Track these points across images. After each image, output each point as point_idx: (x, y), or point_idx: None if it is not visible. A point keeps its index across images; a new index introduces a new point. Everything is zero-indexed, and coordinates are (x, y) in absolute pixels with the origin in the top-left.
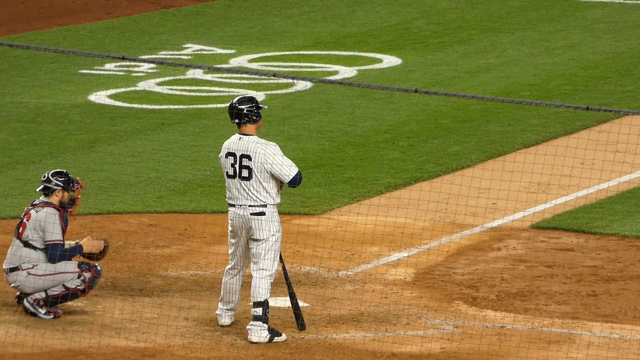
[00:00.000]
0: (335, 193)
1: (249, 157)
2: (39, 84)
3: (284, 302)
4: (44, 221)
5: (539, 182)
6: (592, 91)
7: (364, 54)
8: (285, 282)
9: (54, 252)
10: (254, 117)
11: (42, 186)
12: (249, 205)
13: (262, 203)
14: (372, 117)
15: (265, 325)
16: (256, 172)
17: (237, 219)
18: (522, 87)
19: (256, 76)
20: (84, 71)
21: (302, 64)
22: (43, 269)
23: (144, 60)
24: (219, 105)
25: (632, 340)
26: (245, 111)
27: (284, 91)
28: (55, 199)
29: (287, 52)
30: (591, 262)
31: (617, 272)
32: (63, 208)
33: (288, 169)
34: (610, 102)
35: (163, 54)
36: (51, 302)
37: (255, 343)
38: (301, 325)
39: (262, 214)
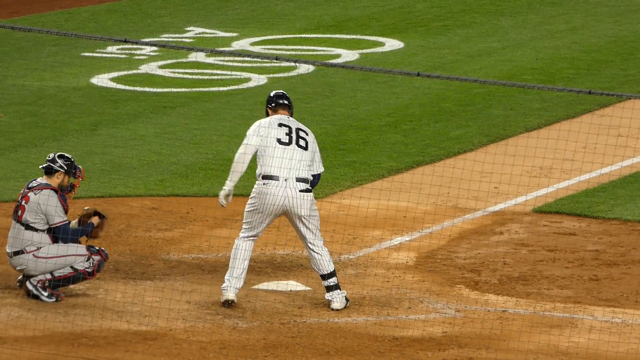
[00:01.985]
0: (338, 177)
1: (305, 132)
2: (41, 66)
3: (277, 285)
4: (45, 204)
5: (541, 166)
6: (595, 75)
7: (366, 38)
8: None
9: (66, 236)
10: (292, 111)
11: (46, 165)
12: (297, 180)
13: (307, 177)
14: (374, 101)
15: (344, 292)
16: (310, 147)
17: (277, 197)
18: (524, 70)
19: (258, 59)
20: (86, 54)
21: (305, 47)
22: (53, 251)
23: (146, 43)
24: (221, 89)
25: (634, 325)
26: (291, 104)
27: (286, 74)
28: (55, 180)
29: (289, 35)
30: (593, 246)
31: (619, 257)
32: (62, 191)
33: (321, 162)
34: (613, 86)
35: (165, 37)
36: (56, 284)
37: (338, 310)
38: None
39: (309, 190)
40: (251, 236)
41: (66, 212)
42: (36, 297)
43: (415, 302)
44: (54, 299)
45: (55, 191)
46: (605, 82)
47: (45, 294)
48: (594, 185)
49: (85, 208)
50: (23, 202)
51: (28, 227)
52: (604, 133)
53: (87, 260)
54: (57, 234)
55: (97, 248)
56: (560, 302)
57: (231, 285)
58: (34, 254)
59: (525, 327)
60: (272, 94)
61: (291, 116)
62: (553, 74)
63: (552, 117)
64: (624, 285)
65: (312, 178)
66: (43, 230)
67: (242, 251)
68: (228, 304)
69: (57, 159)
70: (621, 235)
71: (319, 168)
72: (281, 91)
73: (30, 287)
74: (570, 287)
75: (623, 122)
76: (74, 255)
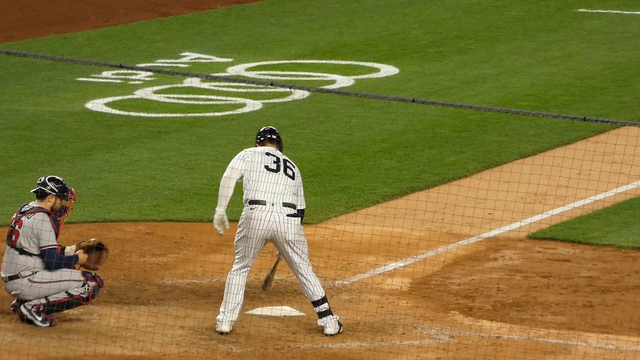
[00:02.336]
0: (332, 202)
1: (292, 164)
2: (36, 91)
3: (271, 311)
4: (37, 228)
5: (536, 192)
6: (589, 102)
7: (361, 63)
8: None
9: (50, 260)
10: (281, 145)
11: (37, 189)
12: (284, 205)
13: (294, 203)
14: (369, 127)
15: (337, 317)
16: (297, 179)
17: (264, 222)
18: (519, 97)
19: (253, 85)
20: (81, 79)
21: (300, 73)
22: (48, 276)
23: (141, 69)
24: (216, 114)
25: (627, 352)
26: (280, 140)
27: (281, 100)
28: (47, 204)
29: (284, 61)
30: (587, 272)
31: (613, 283)
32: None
33: (303, 199)
34: (607, 113)
35: (160, 62)
36: (50, 309)
37: (332, 335)
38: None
39: (295, 215)
40: (244, 267)
41: (57, 235)
42: (30, 322)
43: (409, 328)
44: (48, 324)
45: (48, 214)
46: (599, 108)
47: (40, 318)
48: (588, 211)
49: (91, 239)
50: (17, 227)
51: (22, 251)
52: (599, 160)
53: (82, 286)
54: (44, 256)
55: (92, 274)
56: (554, 329)
57: (225, 319)
58: (29, 279)
59: (519, 353)
60: (261, 129)
61: (280, 150)
62: (548, 101)
63: (546, 144)
64: (618, 311)
65: (298, 207)
66: (37, 255)
67: (234, 286)
68: (222, 333)
69: (48, 182)
70: (615, 261)
71: (302, 203)
72: (270, 127)
73: (24, 311)
74: (564, 313)
75: (617, 149)
76: (70, 280)
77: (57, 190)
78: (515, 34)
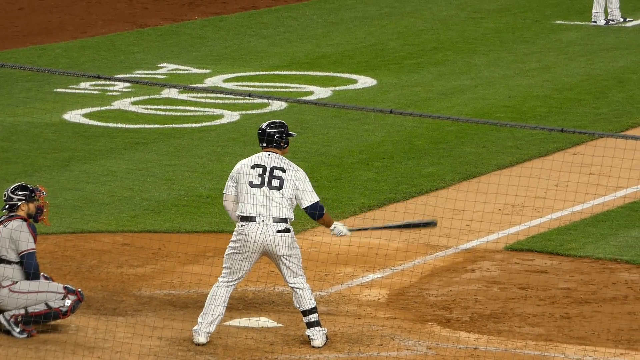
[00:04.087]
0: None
1: (282, 170)
2: (13, 102)
3: (248, 322)
4: (15, 234)
5: (513, 203)
6: (567, 113)
7: (339, 75)
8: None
9: (30, 262)
10: (282, 144)
11: (7, 205)
12: (274, 220)
13: (286, 217)
14: (346, 138)
15: (325, 329)
16: (287, 185)
17: (256, 234)
18: (497, 108)
19: (231, 96)
20: (58, 90)
21: (277, 84)
22: (26, 287)
23: (119, 79)
24: (194, 125)
25: None
26: (275, 137)
27: (259, 111)
28: (22, 212)
29: (262, 72)
30: (565, 284)
31: (590, 295)
32: (33, 219)
33: (313, 194)
34: (585, 125)
35: (138, 73)
36: (28, 320)
37: (319, 347)
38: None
39: (287, 231)
40: (230, 281)
41: (35, 241)
42: (8, 333)
43: (386, 339)
44: (25, 335)
45: (25, 220)
46: (577, 120)
47: (17, 329)
48: (566, 223)
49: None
50: None
51: (1, 260)
52: (576, 171)
53: (62, 299)
54: (24, 260)
55: (73, 288)
56: (531, 340)
57: (202, 330)
58: (9, 289)
59: None
60: (259, 130)
61: (279, 146)
62: (525, 112)
63: (524, 155)
64: (595, 323)
65: (291, 217)
66: (16, 262)
67: (217, 298)
68: (199, 344)
69: (11, 195)
70: (592, 273)
71: (312, 198)
72: (265, 125)
73: (3, 321)
74: (542, 324)
75: (595, 161)
76: (50, 292)
77: (24, 197)
78: (492, 45)
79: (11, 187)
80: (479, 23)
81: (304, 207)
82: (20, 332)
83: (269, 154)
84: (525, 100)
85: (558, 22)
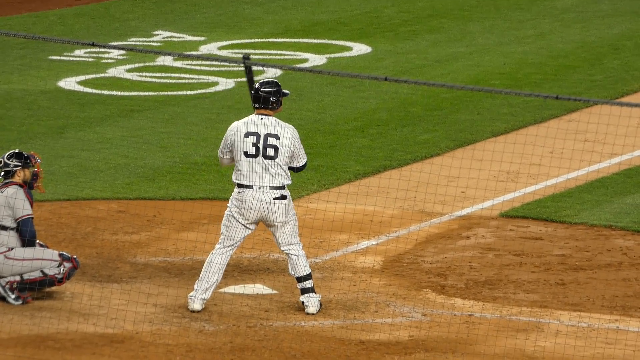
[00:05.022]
0: (304, 180)
1: (276, 137)
2: (8, 69)
3: (243, 289)
4: (12, 199)
5: (508, 170)
6: (562, 80)
7: (333, 42)
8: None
9: (26, 228)
10: (276, 105)
11: (2, 172)
12: (271, 188)
13: (282, 184)
14: (341, 105)
15: (319, 295)
16: (282, 152)
17: (253, 202)
18: (492, 75)
19: (226, 63)
20: (53, 57)
21: (272, 52)
22: (21, 254)
23: (114, 47)
24: (188, 92)
25: (599, 329)
26: (271, 98)
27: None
28: (17, 179)
29: (257, 40)
30: (559, 251)
31: (585, 261)
32: (29, 186)
33: (304, 153)
34: (580, 92)
35: (133, 41)
36: (23, 287)
37: (313, 314)
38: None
39: (283, 197)
40: (227, 246)
41: (32, 206)
42: (3, 299)
43: (381, 305)
44: (21, 302)
45: (21, 186)
46: (572, 87)
47: (13, 296)
48: (561, 190)
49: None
50: None
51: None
52: (571, 138)
53: (58, 266)
54: (22, 227)
55: (69, 255)
56: (526, 307)
57: (197, 296)
58: (5, 255)
59: (492, 331)
60: (252, 90)
61: (273, 107)
62: (520, 79)
63: (519, 122)
64: (590, 289)
65: (289, 182)
66: (12, 228)
67: (214, 265)
68: (194, 311)
69: (7, 161)
70: (587, 240)
71: (299, 162)
72: (258, 85)
73: None
74: (537, 291)
75: (590, 127)
76: (46, 259)
77: (20, 164)
78: (487, 12)
79: (6, 155)
80: None
81: (294, 166)
82: (16, 299)
83: (262, 118)
84: (520, 68)
85: None
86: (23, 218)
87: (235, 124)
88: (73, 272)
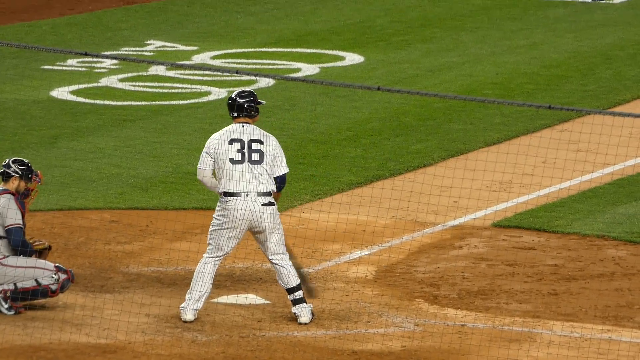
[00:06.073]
0: (297, 190)
1: (260, 142)
2: (0, 79)
3: (236, 299)
4: (3, 207)
5: (501, 180)
6: (554, 90)
7: (326, 52)
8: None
9: (17, 238)
10: (253, 113)
11: (2, 170)
12: (258, 194)
13: (269, 190)
14: (334, 115)
15: (310, 305)
16: (267, 156)
17: (241, 211)
18: (484, 85)
19: (219, 73)
20: (46, 67)
21: (265, 61)
22: (17, 262)
23: (107, 56)
24: (181, 102)
25: (592, 339)
26: (245, 106)
27: (246, 88)
28: (11, 185)
29: (249, 49)
30: (552, 261)
31: (577, 271)
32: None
33: (285, 162)
34: (572, 101)
35: (125, 50)
36: (16, 296)
37: (306, 324)
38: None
39: (272, 204)
40: (216, 257)
41: (23, 216)
42: None
43: (374, 315)
44: (13, 312)
45: (13, 195)
46: (564, 97)
47: (6, 305)
48: (553, 200)
49: (41, 241)
50: None
51: None
52: (564, 148)
53: (52, 277)
54: (9, 236)
55: (64, 268)
56: (519, 317)
57: (189, 307)
58: (0, 262)
59: (484, 341)
60: (229, 100)
61: (250, 114)
62: (513, 89)
63: (512, 132)
64: (583, 299)
65: (274, 188)
66: (2, 237)
67: (203, 274)
68: (186, 321)
69: (11, 164)
70: (580, 249)
71: (280, 170)
72: (234, 94)
73: None
74: (529, 301)
75: (582, 137)
76: (41, 268)
77: (20, 172)
78: (480, 22)
79: (15, 158)
80: (466, 0)
81: (276, 175)
82: (9, 309)
83: (242, 125)
84: (512, 77)
85: None
86: (10, 227)
87: (215, 134)
88: (67, 283)
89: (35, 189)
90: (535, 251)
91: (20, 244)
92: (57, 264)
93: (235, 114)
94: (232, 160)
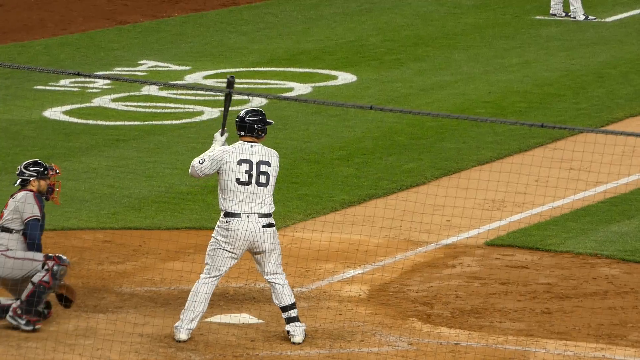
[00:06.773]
0: (290, 210)
1: (267, 164)
2: None
3: (229, 318)
4: (21, 203)
5: (494, 199)
6: (547, 109)
7: (319, 71)
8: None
9: (33, 232)
10: (261, 133)
11: (19, 180)
12: (259, 216)
13: (270, 212)
14: (327, 134)
15: (304, 325)
16: (272, 178)
17: (242, 232)
18: (477, 104)
19: (211, 93)
20: (38, 87)
21: (257, 81)
22: (14, 253)
23: (99, 76)
24: (174, 122)
25: (585, 358)
26: (255, 126)
27: (239, 107)
28: (32, 188)
29: (242, 69)
30: (545, 279)
31: (571, 290)
32: (44, 197)
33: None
34: (565, 120)
35: (118, 70)
36: (26, 308)
37: (299, 343)
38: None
39: (272, 225)
40: (214, 277)
41: (41, 210)
42: (17, 328)
43: (367, 335)
44: (32, 327)
45: (32, 192)
46: (557, 115)
47: (23, 322)
48: (546, 218)
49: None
50: (4, 209)
51: (4, 229)
52: (556, 166)
53: (42, 268)
54: (27, 229)
55: (51, 255)
56: (512, 335)
57: (183, 326)
58: (2, 253)
59: (478, 359)
60: (237, 118)
61: (258, 135)
62: (505, 108)
63: (504, 151)
64: (576, 318)
65: (273, 209)
66: (18, 231)
67: (199, 294)
68: (180, 341)
69: (24, 169)
70: (573, 268)
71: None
72: (243, 113)
73: (9, 319)
74: (523, 320)
75: (575, 156)
76: (32, 259)
77: (36, 174)
78: (472, 41)
79: (25, 162)
80: (458, 18)
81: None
82: (27, 324)
83: (252, 145)
84: (505, 96)
85: (538, 17)
86: (28, 219)
87: (228, 147)
88: (59, 268)
89: (56, 182)
90: (529, 270)
91: (33, 237)
92: (46, 254)
93: (243, 133)
94: (238, 181)
